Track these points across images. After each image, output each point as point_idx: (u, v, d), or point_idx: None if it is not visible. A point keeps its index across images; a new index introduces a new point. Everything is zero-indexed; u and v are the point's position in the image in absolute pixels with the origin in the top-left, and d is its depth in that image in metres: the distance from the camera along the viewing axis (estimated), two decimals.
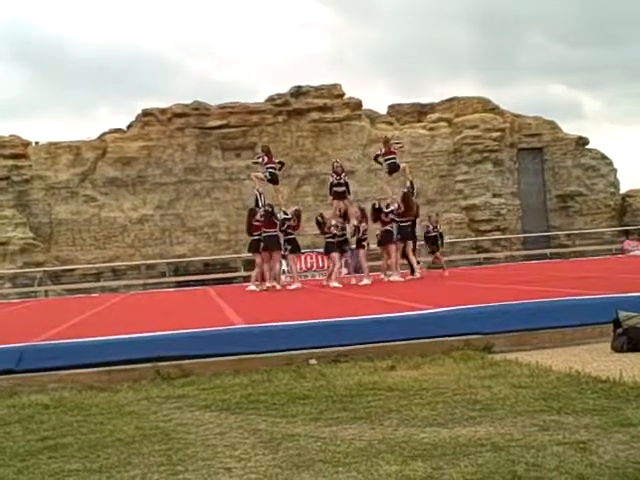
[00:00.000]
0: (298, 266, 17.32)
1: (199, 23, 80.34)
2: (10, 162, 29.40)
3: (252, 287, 14.96)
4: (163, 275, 28.35)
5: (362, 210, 15.59)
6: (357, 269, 17.56)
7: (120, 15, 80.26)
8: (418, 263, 16.47)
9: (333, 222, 15.28)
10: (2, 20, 74.22)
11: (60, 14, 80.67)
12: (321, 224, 15.23)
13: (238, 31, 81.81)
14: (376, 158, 16.50)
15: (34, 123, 73.05)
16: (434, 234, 16.91)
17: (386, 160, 15.80)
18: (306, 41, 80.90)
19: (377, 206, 15.56)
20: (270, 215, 14.77)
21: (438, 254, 17.11)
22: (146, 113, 31.39)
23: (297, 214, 15.37)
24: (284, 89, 32.65)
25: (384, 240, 15.33)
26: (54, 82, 78.41)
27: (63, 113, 75.92)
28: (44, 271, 27.45)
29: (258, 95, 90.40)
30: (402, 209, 15.25)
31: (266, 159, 15.60)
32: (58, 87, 79.80)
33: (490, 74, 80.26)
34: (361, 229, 15.06)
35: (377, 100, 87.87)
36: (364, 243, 15.13)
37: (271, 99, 32.05)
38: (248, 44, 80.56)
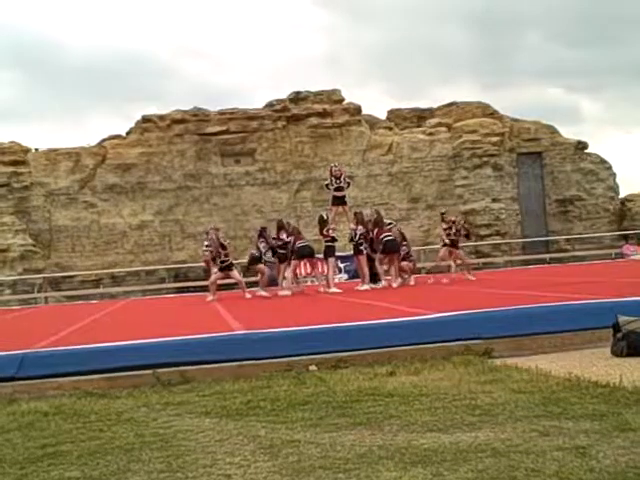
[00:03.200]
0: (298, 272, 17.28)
1: (193, 27, 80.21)
2: (10, 169, 29.38)
3: (285, 292, 15.16)
4: (163, 281, 28.34)
5: (358, 214, 15.59)
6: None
7: (113, 19, 79.94)
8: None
9: (332, 226, 15.30)
10: None
11: (54, 18, 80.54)
12: (323, 223, 15.25)
13: (233, 34, 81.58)
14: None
15: (29, 128, 72.83)
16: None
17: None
18: (302, 44, 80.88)
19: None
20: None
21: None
22: (145, 119, 31.40)
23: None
24: (281, 93, 32.76)
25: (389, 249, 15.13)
26: (48, 87, 78.27)
27: (58, 117, 75.83)
28: (44, 278, 27.44)
29: (254, 98, 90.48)
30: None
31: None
32: (52, 91, 79.57)
33: (488, 77, 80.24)
34: (357, 233, 15.04)
35: (374, 102, 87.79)
36: (362, 248, 15.11)
37: (270, 105, 32.07)
38: (244, 47, 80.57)
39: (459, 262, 17.09)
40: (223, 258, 15.21)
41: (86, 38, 78.04)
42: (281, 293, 15.16)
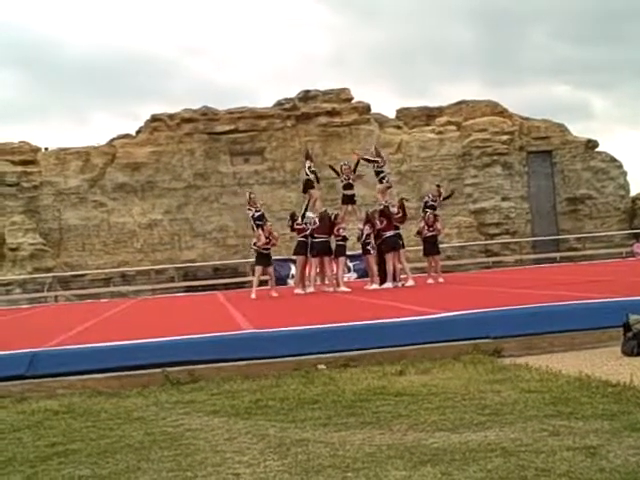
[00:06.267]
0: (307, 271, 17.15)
1: (198, 25, 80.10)
2: (20, 168, 29.53)
3: (298, 290, 15.04)
4: (172, 280, 28.37)
5: (367, 214, 15.52)
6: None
7: (115, 17, 79.88)
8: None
9: (343, 225, 15.25)
10: None
11: (57, 17, 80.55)
12: (332, 224, 15.14)
13: (238, 33, 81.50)
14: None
15: (37, 128, 73.02)
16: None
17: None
18: (309, 43, 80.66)
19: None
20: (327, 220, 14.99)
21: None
22: (155, 118, 31.47)
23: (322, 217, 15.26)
24: (287, 91, 32.77)
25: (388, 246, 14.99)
26: (53, 86, 78.19)
27: (64, 117, 75.99)
28: (54, 277, 27.55)
29: (260, 97, 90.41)
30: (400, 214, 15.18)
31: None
32: (56, 91, 79.58)
33: (495, 75, 79.85)
34: (364, 233, 14.99)
35: (382, 101, 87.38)
36: (369, 248, 15.04)
37: (279, 104, 32.09)
38: (249, 46, 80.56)
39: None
40: (265, 246, 14.77)
41: (89, 37, 78.08)
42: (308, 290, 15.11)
